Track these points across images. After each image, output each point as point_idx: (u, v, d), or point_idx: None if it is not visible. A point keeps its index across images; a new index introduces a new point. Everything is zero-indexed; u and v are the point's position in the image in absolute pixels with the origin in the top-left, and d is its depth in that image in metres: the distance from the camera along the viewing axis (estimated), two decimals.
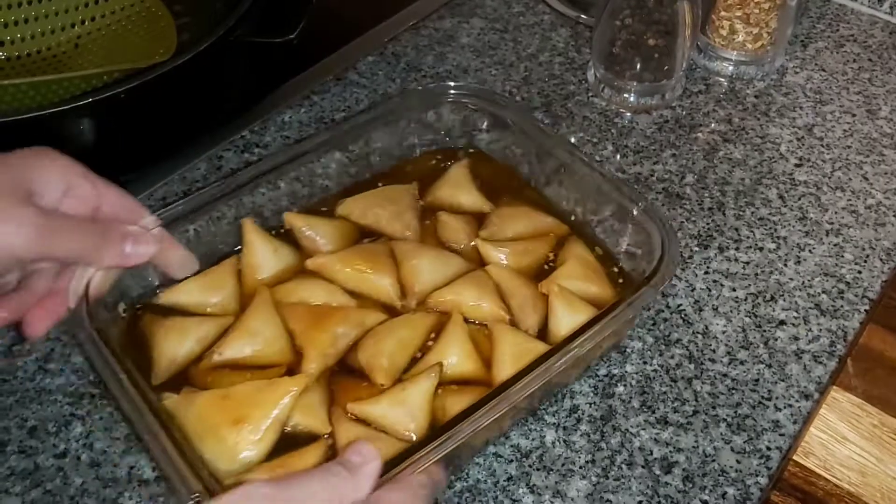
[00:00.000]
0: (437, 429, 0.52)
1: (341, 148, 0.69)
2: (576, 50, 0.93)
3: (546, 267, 0.67)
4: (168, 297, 0.63)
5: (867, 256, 0.74)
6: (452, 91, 0.72)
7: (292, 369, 0.59)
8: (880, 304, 0.70)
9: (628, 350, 0.66)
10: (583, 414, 0.63)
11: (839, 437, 0.61)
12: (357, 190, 0.70)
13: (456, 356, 0.60)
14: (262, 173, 0.65)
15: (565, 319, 0.62)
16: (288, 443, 0.55)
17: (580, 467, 0.60)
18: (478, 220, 0.70)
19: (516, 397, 0.53)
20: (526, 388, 0.53)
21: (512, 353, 0.59)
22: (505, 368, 0.59)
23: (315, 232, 0.67)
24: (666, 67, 0.84)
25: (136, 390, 0.52)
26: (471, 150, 0.75)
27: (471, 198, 0.71)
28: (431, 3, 0.98)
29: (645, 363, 0.66)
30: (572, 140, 0.83)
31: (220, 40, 0.72)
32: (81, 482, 0.58)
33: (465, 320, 0.62)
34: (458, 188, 0.71)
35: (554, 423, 0.62)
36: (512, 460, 0.60)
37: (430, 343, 0.62)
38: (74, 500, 0.57)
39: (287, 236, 0.67)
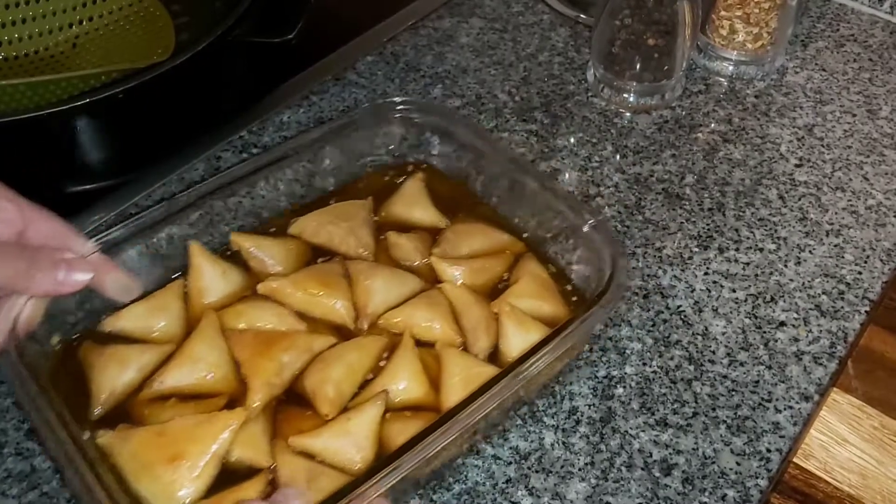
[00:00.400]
0: (380, 461, 0.51)
1: (290, 166, 0.68)
2: (575, 50, 0.93)
3: (500, 286, 0.65)
4: (111, 323, 0.60)
5: (867, 257, 0.73)
6: (401, 106, 0.71)
7: (235, 399, 0.58)
8: (881, 305, 0.70)
9: (628, 352, 0.66)
10: (582, 416, 0.62)
11: (839, 440, 0.60)
12: (309, 209, 0.68)
13: (405, 381, 0.59)
14: (208, 193, 0.64)
15: (516, 340, 0.60)
16: (228, 476, 0.54)
17: (579, 469, 0.59)
18: (433, 235, 0.68)
19: (465, 423, 0.51)
20: (473, 414, 0.52)
21: (461, 378, 0.58)
22: (453, 394, 0.57)
23: (264, 253, 0.65)
24: (666, 67, 0.83)
25: (66, 432, 0.50)
26: (423, 166, 0.73)
27: (426, 213, 0.69)
28: (430, 2, 0.97)
29: (644, 364, 0.65)
30: (572, 140, 0.83)
31: (218, 40, 0.72)
32: None
33: (418, 342, 0.61)
34: (414, 204, 0.70)
35: (553, 426, 0.62)
36: (511, 462, 0.60)
37: (381, 364, 0.60)
38: (71, 502, 0.57)
39: (235, 258, 0.65)
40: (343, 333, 0.62)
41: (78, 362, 0.59)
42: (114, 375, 0.57)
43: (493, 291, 0.65)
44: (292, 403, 0.58)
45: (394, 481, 0.49)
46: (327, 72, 0.88)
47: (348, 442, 0.55)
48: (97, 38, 0.87)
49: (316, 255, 0.66)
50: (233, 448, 0.54)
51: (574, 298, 0.65)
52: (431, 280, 0.65)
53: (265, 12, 0.77)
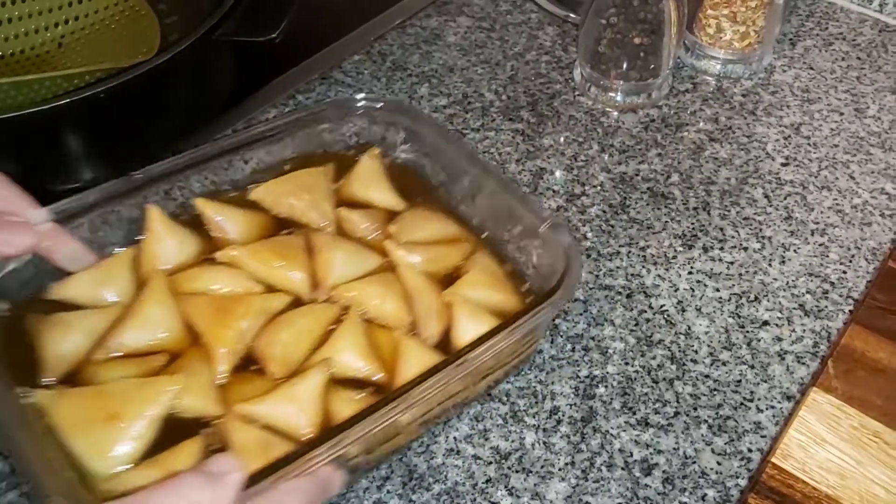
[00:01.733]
0: (323, 432, 0.50)
1: (251, 151, 0.67)
2: (563, 49, 0.93)
3: (451, 274, 0.65)
4: (58, 291, 0.59)
5: (852, 256, 0.73)
6: (365, 102, 0.70)
7: (176, 355, 0.57)
8: (863, 305, 0.69)
9: (610, 351, 0.66)
10: (563, 415, 0.62)
11: (818, 439, 0.60)
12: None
13: (349, 353, 0.58)
14: (165, 174, 0.63)
15: (468, 329, 0.59)
16: (173, 429, 0.53)
17: (559, 469, 0.59)
18: (389, 217, 0.68)
19: (411, 403, 0.51)
20: (420, 394, 0.51)
21: (418, 369, 0.56)
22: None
23: (227, 221, 0.64)
24: (652, 66, 0.83)
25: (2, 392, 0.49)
26: (384, 155, 0.72)
27: (383, 195, 0.69)
28: (418, 1, 0.97)
29: (626, 364, 0.65)
30: (559, 139, 0.83)
31: (200, 40, 0.72)
32: None
33: (369, 319, 0.61)
34: (371, 184, 0.69)
35: (534, 425, 0.62)
36: (491, 462, 0.60)
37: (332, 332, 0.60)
38: None
39: (193, 224, 0.64)
40: (297, 305, 0.61)
41: (27, 331, 0.57)
42: (59, 340, 0.56)
43: (444, 281, 0.64)
44: (239, 367, 0.58)
45: (338, 453, 0.48)
46: (314, 71, 0.88)
47: (294, 409, 0.54)
48: (83, 38, 0.87)
49: (279, 226, 0.66)
50: (181, 397, 0.53)
51: (528, 300, 0.64)
52: (387, 258, 0.65)
53: (249, 11, 0.77)
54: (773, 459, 0.60)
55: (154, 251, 0.62)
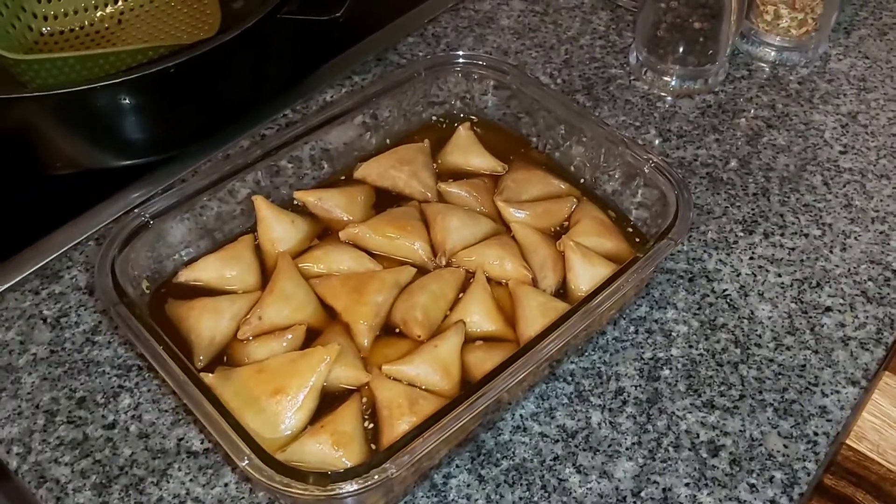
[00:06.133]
0: (474, 384, 0.53)
1: (348, 122, 0.71)
2: (617, 33, 0.92)
3: (560, 228, 0.69)
4: (187, 274, 0.64)
5: None
6: (460, 60, 0.74)
7: (315, 329, 0.61)
8: None
9: (674, 334, 0.66)
10: (629, 396, 0.62)
11: (891, 422, 0.60)
12: (370, 156, 0.72)
13: (478, 314, 0.62)
14: (274, 149, 0.67)
15: (583, 274, 0.63)
16: (326, 398, 0.57)
17: (626, 449, 0.60)
18: (492, 180, 0.72)
19: (546, 352, 0.54)
20: (555, 343, 0.55)
21: (538, 311, 0.61)
22: (531, 326, 0.60)
23: (328, 203, 0.68)
24: (710, 52, 0.83)
25: (177, 363, 0.53)
26: (473, 118, 0.77)
27: (483, 160, 0.73)
28: None
29: (690, 347, 0.65)
30: (614, 123, 0.82)
31: (266, 17, 0.72)
32: (130, 453, 0.59)
33: (490, 280, 0.64)
34: (469, 151, 0.73)
35: (600, 405, 0.62)
36: (558, 440, 0.60)
37: (461, 296, 0.64)
38: (124, 470, 0.58)
39: (301, 209, 0.69)
40: (422, 273, 0.65)
41: (166, 315, 0.62)
42: (211, 325, 0.60)
43: (554, 235, 0.68)
44: (381, 334, 0.62)
45: (487, 403, 0.52)
46: (369, 52, 0.88)
47: (438, 367, 0.58)
48: (142, 15, 0.87)
49: (381, 197, 0.70)
50: (332, 369, 0.57)
51: (637, 240, 0.68)
52: (498, 222, 0.69)
53: None
54: (848, 441, 0.60)
55: (270, 236, 0.66)
